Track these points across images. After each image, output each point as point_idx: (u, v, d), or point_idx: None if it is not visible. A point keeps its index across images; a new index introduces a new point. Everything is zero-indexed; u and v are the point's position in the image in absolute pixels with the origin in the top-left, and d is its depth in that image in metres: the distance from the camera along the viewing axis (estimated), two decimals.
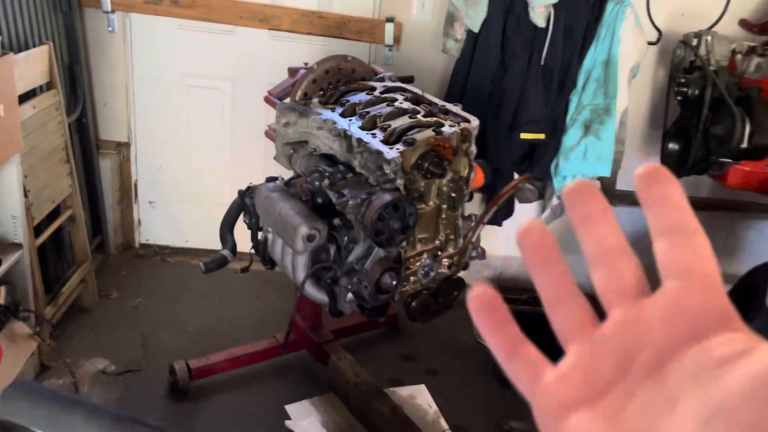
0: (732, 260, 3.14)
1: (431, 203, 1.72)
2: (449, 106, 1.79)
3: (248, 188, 1.95)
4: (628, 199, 3.05)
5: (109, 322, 2.59)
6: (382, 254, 1.67)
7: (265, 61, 2.82)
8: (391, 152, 1.59)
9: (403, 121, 1.69)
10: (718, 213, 3.07)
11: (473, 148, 1.71)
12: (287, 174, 2.00)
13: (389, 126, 1.68)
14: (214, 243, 3.04)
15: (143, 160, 3.00)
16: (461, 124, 1.70)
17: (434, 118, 1.72)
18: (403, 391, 2.38)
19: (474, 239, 1.83)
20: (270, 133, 1.99)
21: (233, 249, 2.02)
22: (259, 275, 2.95)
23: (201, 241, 3.14)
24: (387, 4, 2.73)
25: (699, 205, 3.06)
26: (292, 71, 2.05)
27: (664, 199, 0.30)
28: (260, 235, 1.95)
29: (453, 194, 1.72)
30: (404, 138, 1.63)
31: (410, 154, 1.61)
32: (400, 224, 1.58)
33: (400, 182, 1.60)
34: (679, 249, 0.29)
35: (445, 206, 1.75)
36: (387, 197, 1.54)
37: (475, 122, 1.71)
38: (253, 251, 2.00)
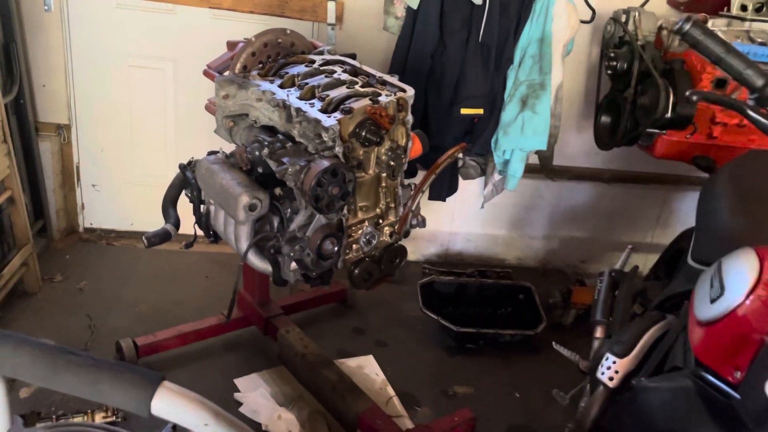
0: (666, 231, 3.30)
1: (371, 171, 1.76)
2: (386, 77, 1.83)
3: (189, 162, 1.96)
4: (566, 174, 3.18)
5: (53, 305, 2.56)
6: (324, 221, 1.71)
7: (207, 40, 2.79)
8: (329, 120, 1.62)
9: (340, 91, 1.73)
10: (653, 186, 3.22)
11: (410, 117, 1.76)
12: (228, 148, 2.01)
13: (327, 96, 1.71)
14: (159, 225, 3.04)
15: (85, 142, 2.95)
16: (397, 93, 1.74)
17: (371, 89, 1.76)
18: (352, 362, 2.43)
19: (414, 207, 1.89)
20: (210, 107, 2.00)
21: (176, 223, 2.02)
22: (207, 256, 2.97)
23: (147, 224, 3.07)
24: None
25: (635, 179, 3.21)
26: (231, 45, 2.06)
27: None
28: (203, 208, 1.96)
29: (392, 162, 1.77)
30: (342, 107, 1.67)
31: (348, 122, 1.65)
32: (339, 190, 1.62)
33: (338, 150, 1.64)
34: None
35: (384, 175, 1.79)
36: (325, 163, 1.58)
37: (410, 91, 1.76)
38: (198, 228, 2.01)
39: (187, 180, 1.93)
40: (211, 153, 1.93)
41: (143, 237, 1.95)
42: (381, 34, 2.72)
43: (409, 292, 2.79)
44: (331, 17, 2.73)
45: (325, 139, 1.63)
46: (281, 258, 1.79)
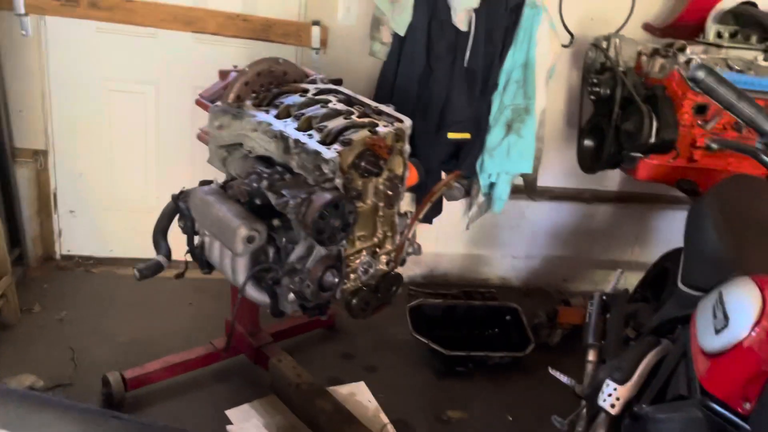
0: (644, 248, 3.37)
1: (369, 201, 1.76)
2: (382, 107, 1.84)
3: (182, 192, 1.93)
4: (547, 194, 3.22)
5: (33, 337, 2.48)
6: (323, 253, 1.70)
7: (189, 64, 2.79)
8: (330, 152, 1.62)
9: (338, 122, 1.73)
10: (631, 205, 3.29)
11: (407, 147, 1.77)
12: (219, 176, 1.99)
13: (325, 127, 1.71)
14: (139, 251, 2.99)
15: (63, 167, 2.89)
16: (395, 124, 1.75)
17: (368, 119, 1.76)
18: (343, 389, 2.41)
19: (410, 236, 1.90)
20: (202, 136, 1.98)
21: (168, 254, 1.98)
22: (190, 283, 2.91)
23: (126, 250, 3.05)
24: (312, 8, 2.76)
25: (613, 198, 3.27)
26: (223, 74, 2.04)
27: None
28: (196, 239, 1.93)
29: (389, 192, 1.78)
30: (341, 138, 1.67)
31: (347, 153, 1.65)
32: (341, 222, 1.62)
33: (338, 181, 1.64)
34: None
35: (382, 204, 1.79)
36: (328, 196, 1.58)
37: (408, 122, 1.77)
38: (188, 257, 1.98)
39: (180, 210, 1.90)
40: (203, 183, 1.90)
41: (134, 269, 1.91)
42: (365, 58, 2.73)
43: (395, 315, 2.78)
44: (315, 42, 2.73)
45: (326, 171, 1.62)
46: (279, 289, 1.78)
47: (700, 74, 1.32)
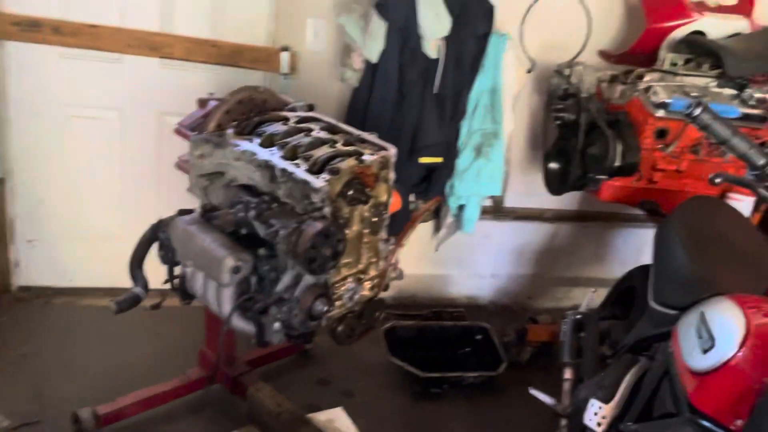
0: (603, 265, 3.48)
1: (354, 228, 1.78)
2: (365, 135, 1.86)
3: (161, 222, 1.90)
4: (511, 215, 3.30)
5: None
6: (311, 281, 1.70)
7: (155, 90, 2.75)
8: (319, 181, 1.63)
9: (324, 151, 1.74)
10: (589, 224, 3.40)
11: (392, 175, 1.80)
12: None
13: (311, 156, 1.72)
14: (102, 280, 2.92)
15: (21, 195, 2.78)
16: (380, 152, 1.77)
17: (353, 147, 1.78)
18: (322, 416, 2.40)
19: (393, 261, 1.92)
20: (182, 165, 1.96)
21: (145, 286, 1.94)
22: (154, 313, 2.84)
23: (88, 280, 2.96)
24: (281, 34, 2.77)
25: (573, 217, 3.38)
26: (202, 102, 2.03)
27: None
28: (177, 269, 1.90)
29: (374, 219, 1.80)
30: (328, 167, 1.68)
31: (335, 182, 1.66)
32: (332, 251, 1.62)
33: (327, 210, 1.64)
34: None
35: (366, 231, 1.81)
36: (319, 225, 1.58)
37: (392, 150, 1.79)
38: (167, 287, 1.94)
39: (160, 240, 1.87)
40: (182, 212, 1.88)
41: (113, 302, 1.87)
42: (334, 84, 2.76)
43: (367, 338, 2.75)
44: (284, 67, 2.74)
45: (315, 200, 1.63)
46: (265, 319, 1.76)
47: (696, 111, 1.40)
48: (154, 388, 2.25)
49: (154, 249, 1.95)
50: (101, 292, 2.93)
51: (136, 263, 1.95)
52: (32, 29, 2.47)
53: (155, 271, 1.96)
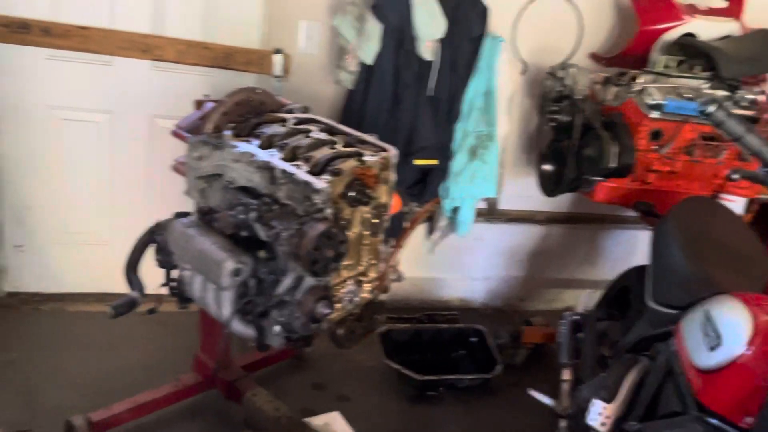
0: (594, 267, 3.50)
1: (355, 230, 1.76)
2: (365, 136, 1.85)
3: (158, 225, 1.87)
4: (504, 217, 3.31)
5: None
6: (313, 283, 1.68)
7: (146, 92, 2.72)
8: (320, 182, 1.61)
9: (324, 152, 1.72)
10: (581, 226, 3.41)
11: (392, 176, 1.79)
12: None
13: (312, 157, 1.71)
14: (91, 286, 2.88)
15: (9, 199, 2.73)
16: (381, 153, 1.76)
17: (353, 148, 1.77)
18: (318, 420, 2.37)
19: (393, 263, 1.91)
20: (179, 168, 1.93)
21: (141, 290, 1.91)
22: (144, 317, 2.80)
23: (77, 285, 2.92)
24: (274, 36, 2.75)
25: (565, 219, 3.39)
26: (199, 104, 2.00)
27: None
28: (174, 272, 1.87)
29: (375, 221, 1.78)
30: (329, 168, 1.66)
31: (337, 183, 1.64)
32: (334, 252, 1.61)
33: (329, 211, 1.63)
34: None
35: (367, 233, 1.80)
36: (321, 227, 1.57)
37: (393, 151, 1.79)
38: (162, 291, 1.91)
39: (157, 244, 1.84)
40: (180, 215, 1.85)
41: (110, 306, 1.83)
42: (327, 86, 2.75)
43: (364, 342, 2.77)
44: (278, 70, 2.71)
45: (317, 201, 1.61)
46: (265, 322, 1.74)
47: (711, 108, 1.41)
48: (148, 393, 2.22)
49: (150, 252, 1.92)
50: (90, 297, 2.89)
51: (132, 267, 1.92)
52: (21, 31, 2.43)
53: (150, 275, 1.93)
